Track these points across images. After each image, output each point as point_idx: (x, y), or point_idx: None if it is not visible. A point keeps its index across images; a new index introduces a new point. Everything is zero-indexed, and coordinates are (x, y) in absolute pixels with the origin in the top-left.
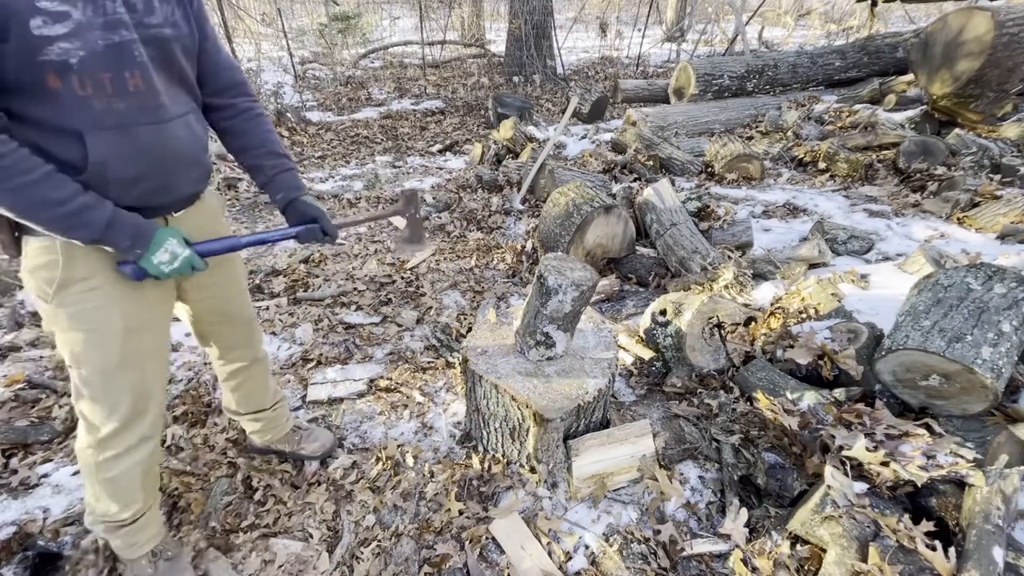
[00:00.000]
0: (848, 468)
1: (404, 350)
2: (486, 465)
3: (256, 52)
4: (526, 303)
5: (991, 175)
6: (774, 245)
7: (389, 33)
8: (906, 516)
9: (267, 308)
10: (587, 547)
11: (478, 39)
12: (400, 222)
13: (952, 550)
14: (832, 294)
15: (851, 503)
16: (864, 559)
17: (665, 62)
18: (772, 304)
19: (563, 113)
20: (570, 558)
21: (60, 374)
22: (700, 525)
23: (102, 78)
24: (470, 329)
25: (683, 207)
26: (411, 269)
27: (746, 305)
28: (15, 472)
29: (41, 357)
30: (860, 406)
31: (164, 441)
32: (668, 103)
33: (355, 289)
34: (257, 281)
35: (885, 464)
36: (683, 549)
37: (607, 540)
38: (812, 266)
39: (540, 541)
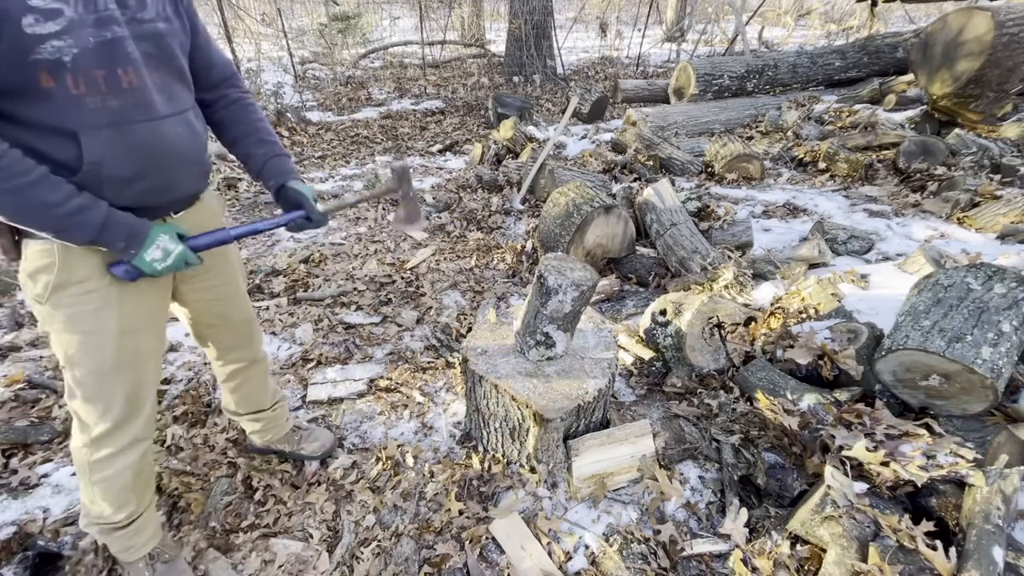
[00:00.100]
0: (848, 468)
1: (404, 350)
2: (486, 465)
3: (256, 52)
4: (526, 303)
5: (991, 175)
6: (774, 245)
7: (389, 33)
8: (906, 516)
9: (267, 308)
10: (587, 547)
11: (478, 39)
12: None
13: (952, 550)
14: (832, 294)
15: (851, 503)
16: (864, 559)
17: (665, 62)
18: (772, 304)
19: (563, 113)
20: (570, 558)
21: (60, 374)
22: (700, 525)
23: (95, 76)
24: (470, 329)
25: (683, 207)
26: (411, 269)
27: (746, 305)
28: (15, 472)
29: (41, 357)
30: (860, 406)
31: (164, 441)
32: (668, 103)
33: (355, 289)
34: (257, 281)
35: (885, 464)
36: (683, 549)
37: (607, 540)
38: (812, 266)
39: (540, 541)
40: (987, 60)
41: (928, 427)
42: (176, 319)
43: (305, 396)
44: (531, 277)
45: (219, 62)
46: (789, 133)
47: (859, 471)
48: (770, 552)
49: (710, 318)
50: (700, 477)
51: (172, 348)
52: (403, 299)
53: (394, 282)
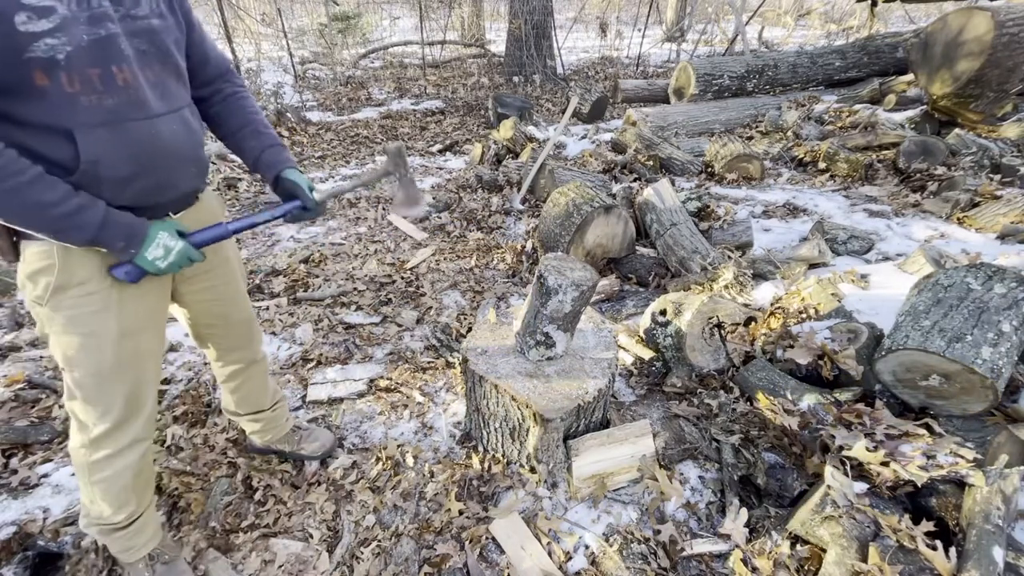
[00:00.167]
0: (848, 468)
1: (404, 350)
2: (486, 465)
3: (256, 52)
4: (526, 303)
5: (991, 175)
6: (774, 245)
7: (389, 33)
8: (906, 516)
9: (267, 308)
10: (587, 547)
11: (478, 39)
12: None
13: (952, 550)
14: (832, 294)
15: (851, 503)
16: (864, 559)
17: (665, 62)
18: (772, 304)
19: (563, 113)
20: (570, 558)
21: (60, 374)
22: (700, 525)
23: (90, 74)
24: (470, 329)
25: (683, 207)
26: (411, 269)
27: (746, 305)
28: (15, 472)
29: (41, 357)
30: (860, 406)
31: (164, 441)
32: (668, 103)
33: (355, 289)
34: (257, 281)
35: (885, 464)
36: (683, 549)
37: (607, 540)
38: (812, 266)
39: (540, 541)
40: (987, 60)
41: (928, 427)
42: (174, 320)
43: (305, 396)
44: (531, 277)
45: (214, 58)
46: (789, 133)
47: (859, 471)
48: (770, 552)
49: (710, 318)
50: (700, 477)
51: (172, 348)
52: (403, 299)
53: (394, 282)
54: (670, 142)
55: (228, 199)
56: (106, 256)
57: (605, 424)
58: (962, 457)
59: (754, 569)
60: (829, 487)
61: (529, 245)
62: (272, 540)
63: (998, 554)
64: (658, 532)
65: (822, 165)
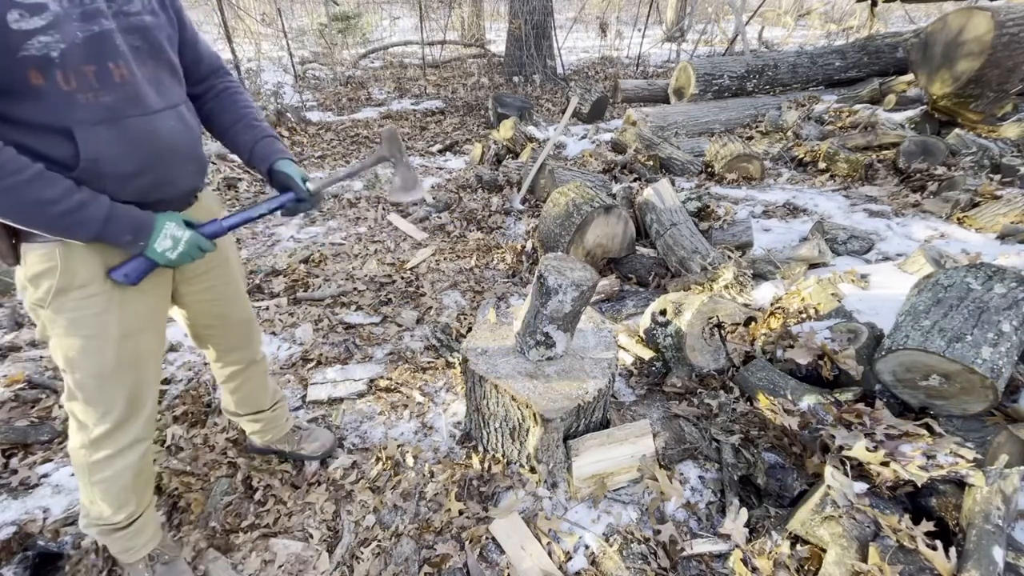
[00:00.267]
0: (848, 468)
1: (404, 350)
2: (486, 465)
3: (256, 52)
4: (526, 303)
5: (991, 175)
6: (774, 245)
7: (389, 33)
8: (906, 516)
9: (267, 308)
10: (587, 547)
11: (478, 39)
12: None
13: (952, 550)
14: (832, 294)
15: (851, 503)
16: (864, 559)
17: (665, 62)
18: (772, 304)
19: (563, 113)
20: (570, 558)
21: (60, 374)
22: (700, 525)
23: (85, 71)
24: (470, 329)
25: (683, 207)
26: (411, 269)
27: (746, 305)
28: (15, 472)
29: (41, 357)
30: (860, 406)
31: (164, 441)
32: (668, 103)
33: (355, 289)
34: (257, 281)
35: (885, 464)
36: (683, 549)
37: (607, 540)
38: (812, 266)
39: (540, 541)
40: (987, 60)
41: (928, 427)
42: (173, 319)
43: (305, 396)
44: (531, 277)
45: (207, 55)
46: (789, 133)
47: (859, 471)
48: (770, 552)
49: (710, 318)
50: (700, 477)
51: (172, 348)
52: (403, 299)
53: (394, 282)
54: (670, 142)
55: (228, 199)
56: (107, 257)
57: (605, 424)
58: (962, 457)
59: (754, 569)
60: (829, 487)
61: (529, 245)
62: (272, 540)
63: (998, 554)
64: (658, 532)
65: (822, 165)
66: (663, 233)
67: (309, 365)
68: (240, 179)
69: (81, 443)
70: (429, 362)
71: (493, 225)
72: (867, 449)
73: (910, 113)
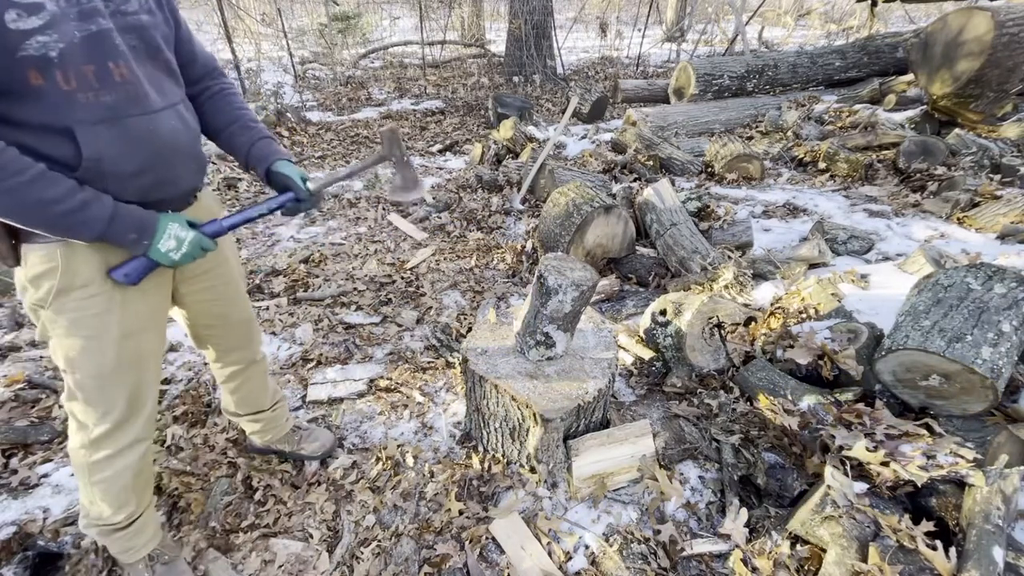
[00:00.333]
0: (848, 468)
1: (404, 350)
2: (486, 465)
3: (256, 52)
4: (526, 303)
5: (991, 175)
6: (774, 245)
7: (389, 33)
8: (906, 516)
9: (267, 308)
10: (587, 547)
11: (478, 39)
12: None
13: (952, 550)
14: (832, 294)
15: (851, 503)
16: (864, 559)
17: (665, 62)
18: (772, 304)
19: (563, 113)
20: (570, 558)
21: (60, 374)
22: (700, 525)
23: (85, 71)
24: (470, 329)
25: (683, 207)
26: (411, 269)
27: (746, 305)
28: (15, 472)
29: (41, 357)
30: (860, 406)
31: (164, 441)
32: (668, 103)
33: (355, 289)
34: (257, 281)
35: (885, 464)
36: (683, 549)
37: (607, 540)
38: (812, 266)
39: (540, 541)
40: (987, 60)
41: (928, 427)
42: (173, 320)
43: (305, 396)
44: (531, 277)
45: (201, 56)
46: (789, 133)
47: (859, 471)
48: (770, 552)
49: (710, 318)
50: (700, 477)
51: (172, 348)
52: (403, 299)
53: (394, 282)
54: (670, 142)
55: (228, 199)
56: (108, 258)
57: (605, 424)
58: (962, 457)
59: (754, 569)
60: (829, 487)
61: (529, 245)
62: (272, 540)
63: (998, 554)
64: (658, 532)
65: (822, 165)
66: (663, 233)
67: (309, 365)
68: (240, 179)
69: (81, 443)
70: (429, 362)
71: (493, 225)
72: (867, 449)
73: (910, 113)
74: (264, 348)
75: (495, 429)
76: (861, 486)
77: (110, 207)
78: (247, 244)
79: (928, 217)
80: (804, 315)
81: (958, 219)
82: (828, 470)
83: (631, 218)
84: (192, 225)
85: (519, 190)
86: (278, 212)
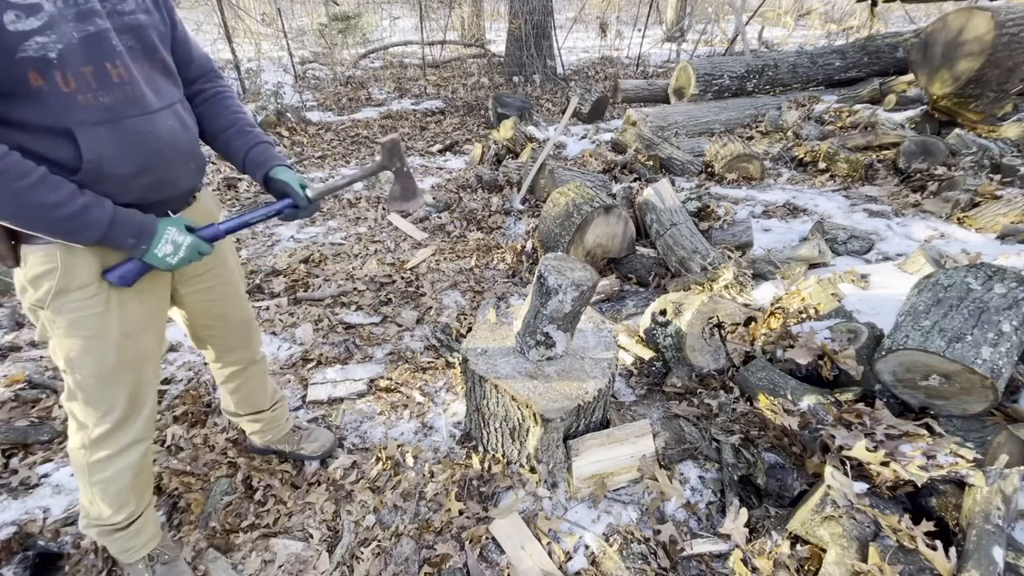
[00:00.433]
0: (848, 468)
1: (404, 350)
2: (486, 465)
3: (256, 52)
4: (526, 303)
5: (991, 175)
6: (774, 245)
7: (389, 33)
8: (906, 516)
9: (267, 308)
10: (587, 547)
11: (478, 39)
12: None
13: (952, 550)
14: (832, 294)
15: (851, 503)
16: (864, 559)
17: (665, 62)
18: (772, 304)
19: (563, 113)
20: (570, 558)
21: (60, 374)
22: (700, 525)
23: (84, 72)
24: (470, 329)
25: (683, 207)
26: (411, 269)
27: (746, 305)
28: (15, 472)
29: (41, 357)
30: (860, 406)
31: (164, 441)
32: (668, 103)
33: (355, 289)
34: (257, 281)
35: (885, 464)
36: (683, 549)
37: (607, 540)
38: (812, 266)
39: (540, 541)
40: (987, 60)
41: (928, 427)
42: (173, 320)
43: (305, 396)
44: (531, 277)
45: (197, 57)
46: (789, 133)
47: (859, 471)
48: (770, 552)
49: (710, 318)
50: (700, 477)
51: (172, 348)
52: (403, 299)
53: (394, 282)
54: (670, 142)
55: (228, 199)
56: (106, 259)
57: (605, 424)
58: (962, 457)
59: (754, 569)
60: (829, 487)
61: (529, 245)
62: (272, 540)
63: (998, 554)
64: (658, 532)
65: (822, 165)
66: (663, 233)
67: (309, 365)
68: (240, 179)
69: (81, 443)
70: (429, 362)
71: (493, 225)
72: (867, 449)
73: (910, 113)
74: (264, 348)
75: (495, 429)
76: (861, 486)
77: (110, 211)
78: (247, 244)
79: (928, 217)
80: (804, 315)
81: (958, 219)
82: (828, 470)
83: (631, 218)
84: (190, 229)
85: (519, 190)
86: (276, 217)
